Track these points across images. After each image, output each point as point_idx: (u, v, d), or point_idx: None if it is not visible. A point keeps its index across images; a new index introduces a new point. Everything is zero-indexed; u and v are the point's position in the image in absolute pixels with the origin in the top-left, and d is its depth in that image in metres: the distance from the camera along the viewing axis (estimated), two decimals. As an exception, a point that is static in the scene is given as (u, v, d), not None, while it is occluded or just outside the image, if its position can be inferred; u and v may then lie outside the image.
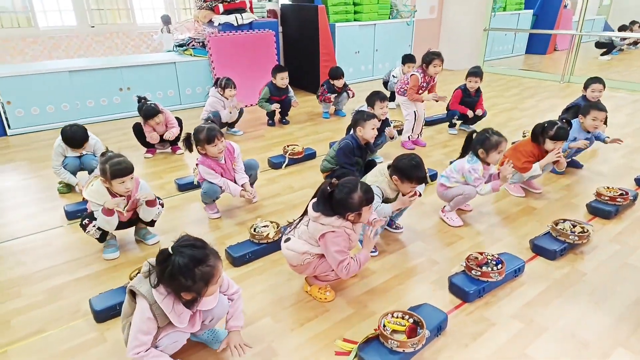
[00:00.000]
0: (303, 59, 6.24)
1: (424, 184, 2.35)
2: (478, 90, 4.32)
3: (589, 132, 3.35)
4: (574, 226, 2.47)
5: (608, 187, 2.92)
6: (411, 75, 3.99)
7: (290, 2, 6.40)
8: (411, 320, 1.82)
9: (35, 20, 6.99)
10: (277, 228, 2.53)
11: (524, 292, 2.13)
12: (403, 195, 2.31)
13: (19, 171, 3.73)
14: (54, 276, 2.29)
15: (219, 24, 5.42)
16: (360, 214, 1.87)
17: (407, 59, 5.17)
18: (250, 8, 5.66)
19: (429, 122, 4.74)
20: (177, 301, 1.46)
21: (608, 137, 3.50)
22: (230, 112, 4.31)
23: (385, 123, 3.50)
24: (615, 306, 2.02)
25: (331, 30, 6.13)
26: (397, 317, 1.83)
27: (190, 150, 2.73)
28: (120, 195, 2.32)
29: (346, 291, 2.15)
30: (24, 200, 3.17)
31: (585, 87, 3.87)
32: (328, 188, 1.86)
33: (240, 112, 4.49)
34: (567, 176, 3.44)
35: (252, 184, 2.98)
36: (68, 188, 3.27)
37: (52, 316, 2.00)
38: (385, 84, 5.51)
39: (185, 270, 1.38)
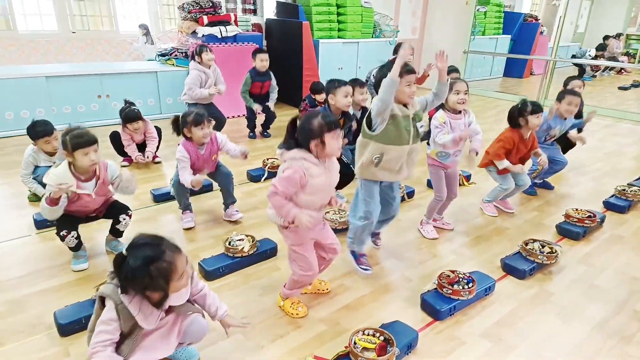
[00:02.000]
0: (286, 73, 6.28)
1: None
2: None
3: (565, 118, 3.40)
4: (543, 246, 2.53)
5: (576, 209, 3.01)
6: None
7: (275, 17, 6.47)
8: (382, 337, 1.82)
9: (14, 23, 6.87)
10: (252, 242, 2.51)
11: (493, 311, 2.16)
12: None
13: (-12, 177, 3.62)
14: (18, 287, 2.21)
15: (203, 35, 5.43)
16: (324, 142, 1.75)
17: (389, 63, 5.32)
18: (235, 21, 5.69)
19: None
20: (144, 302, 1.43)
21: (581, 124, 3.61)
22: (210, 94, 4.23)
23: (365, 111, 3.30)
24: (582, 326, 2.07)
25: (315, 45, 6.21)
26: (368, 335, 1.83)
27: (178, 133, 2.71)
28: (87, 173, 2.24)
29: (319, 307, 2.14)
30: (-9, 207, 3.08)
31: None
32: (292, 121, 1.83)
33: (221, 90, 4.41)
34: (538, 198, 3.54)
35: (229, 190, 2.97)
36: (38, 196, 3.18)
37: (14, 329, 1.93)
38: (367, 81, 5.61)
39: (140, 271, 1.35)
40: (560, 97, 3.38)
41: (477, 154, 2.66)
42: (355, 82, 3.33)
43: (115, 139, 3.84)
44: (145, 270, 1.35)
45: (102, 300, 1.46)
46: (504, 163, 2.93)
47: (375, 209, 2.29)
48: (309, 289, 2.23)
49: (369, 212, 2.27)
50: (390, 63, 2.08)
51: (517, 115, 2.95)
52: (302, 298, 2.18)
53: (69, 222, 2.31)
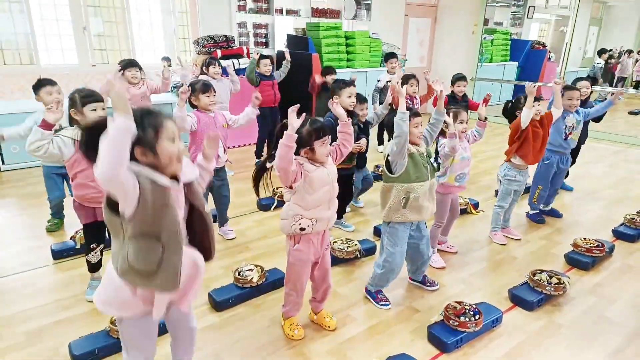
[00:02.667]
0: (297, 103, 6.43)
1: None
2: (465, 96, 4.48)
3: (570, 112, 3.46)
4: (551, 277, 2.53)
5: (584, 239, 3.00)
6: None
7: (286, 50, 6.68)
8: (388, 371, 1.83)
9: (37, 58, 7.21)
10: (262, 272, 2.56)
11: (501, 344, 2.16)
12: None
13: (9, 208, 3.76)
14: (35, 318, 2.28)
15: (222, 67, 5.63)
16: (314, 150, 1.86)
17: (390, 55, 5.50)
18: (247, 54, 5.90)
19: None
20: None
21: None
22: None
23: (365, 126, 3.38)
24: (593, 359, 2.06)
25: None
26: (374, 368, 1.85)
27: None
28: None
29: (326, 339, 2.16)
30: (11, 238, 3.18)
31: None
32: (280, 129, 1.85)
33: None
34: (547, 225, 3.53)
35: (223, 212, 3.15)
36: (57, 226, 3.29)
37: (31, 359, 1.99)
38: (379, 91, 5.60)
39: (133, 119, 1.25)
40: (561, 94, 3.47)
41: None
42: (356, 99, 3.36)
43: None
44: (137, 120, 1.25)
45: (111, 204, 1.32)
46: (526, 111, 2.95)
47: (399, 257, 2.32)
48: (315, 318, 2.27)
49: (392, 259, 2.31)
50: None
51: (512, 109, 3.11)
52: (307, 326, 2.21)
53: (96, 233, 2.39)
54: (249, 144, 5.52)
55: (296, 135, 1.77)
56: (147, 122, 1.31)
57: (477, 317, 2.16)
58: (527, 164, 3.12)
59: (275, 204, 3.76)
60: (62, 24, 7.45)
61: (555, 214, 3.68)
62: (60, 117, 2.20)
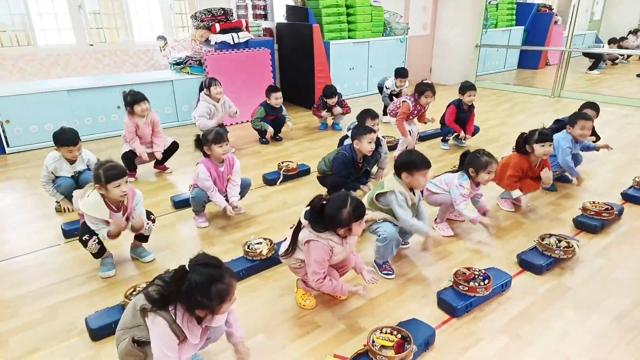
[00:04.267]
0: (298, 76, 6.35)
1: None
2: (471, 106, 4.40)
3: (577, 142, 3.42)
4: (560, 241, 2.53)
5: (593, 202, 2.99)
6: (403, 101, 4.13)
7: (286, 21, 6.54)
8: (399, 335, 1.86)
9: (34, 39, 7.11)
10: (270, 245, 2.58)
11: (510, 307, 2.18)
12: (417, 186, 2.41)
13: (17, 189, 3.78)
14: (50, 295, 2.33)
15: (216, 43, 5.53)
16: (351, 229, 1.93)
17: (399, 74, 5.39)
18: (247, 27, 5.78)
19: (422, 137, 4.83)
20: (190, 318, 1.48)
21: (595, 145, 3.61)
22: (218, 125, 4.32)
23: (377, 144, 3.39)
24: (600, 320, 2.07)
25: (326, 47, 6.26)
26: (385, 333, 1.88)
27: (201, 149, 2.88)
28: (117, 203, 2.37)
29: (337, 307, 2.19)
30: (21, 219, 3.22)
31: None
32: (318, 203, 1.92)
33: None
34: (555, 191, 3.51)
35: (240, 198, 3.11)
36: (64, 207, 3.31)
37: (49, 335, 2.04)
38: (380, 89, 5.74)
39: (201, 288, 1.40)
40: (572, 122, 3.37)
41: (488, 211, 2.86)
42: (367, 114, 3.47)
43: (127, 158, 3.83)
44: (206, 288, 1.41)
45: (143, 311, 1.49)
46: (517, 193, 3.02)
47: (393, 231, 2.39)
48: (296, 292, 2.30)
49: (388, 235, 2.37)
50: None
51: (524, 142, 3.01)
52: (319, 296, 2.24)
53: (90, 228, 2.41)
54: (248, 121, 5.45)
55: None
56: (215, 291, 1.43)
57: (486, 281, 2.18)
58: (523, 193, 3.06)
59: (280, 178, 3.75)
60: (57, 3, 7.32)
61: (564, 179, 3.65)
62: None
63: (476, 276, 2.21)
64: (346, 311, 2.16)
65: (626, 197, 3.31)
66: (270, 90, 4.67)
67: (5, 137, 4.61)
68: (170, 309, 1.45)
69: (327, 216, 1.91)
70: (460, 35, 7.96)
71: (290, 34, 6.37)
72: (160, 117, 4.14)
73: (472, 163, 2.69)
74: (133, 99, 3.70)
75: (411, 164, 2.33)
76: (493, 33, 8.54)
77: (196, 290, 1.40)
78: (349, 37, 6.65)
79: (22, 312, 2.20)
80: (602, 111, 3.87)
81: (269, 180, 3.75)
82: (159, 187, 3.77)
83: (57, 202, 3.27)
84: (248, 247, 2.54)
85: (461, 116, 4.40)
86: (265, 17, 6.59)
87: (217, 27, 5.52)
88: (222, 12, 5.62)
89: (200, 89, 4.50)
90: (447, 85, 7.83)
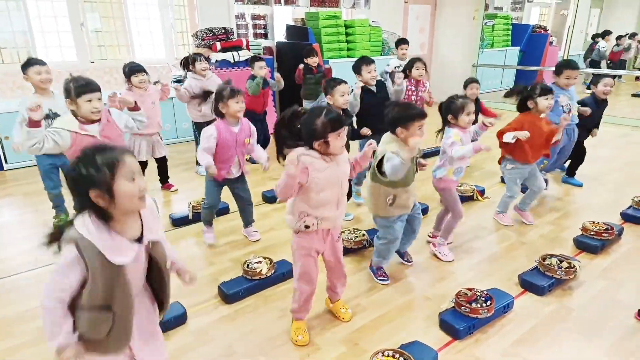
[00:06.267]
0: (298, 94, 6.39)
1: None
2: (477, 100, 4.36)
3: (563, 91, 3.48)
4: (561, 261, 2.52)
5: (593, 222, 2.99)
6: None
7: (286, 40, 6.63)
8: (401, 358, 1.83)
9: (35, 55, 7.15)
10: (270, 264, 2.55)
11: (513, 329, 2.15)
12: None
13: (15, 206, 3.76)
14: (46, 314, 2.28)
15: (216, 61, 5.59)
16: (328, 143, 1.75)
17: (400, 41, 5.36)
18: (247, 46, 5.85)
19: (426, 154, 4.73)
20: (101, 225, 1.23)
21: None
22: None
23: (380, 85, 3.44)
24: (604, 343, 2.05)
25: (325, 65, 6.32)
26: (387, 356, 1.85)
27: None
28: (89, 122, 2.24)
29: (338, 328, 2.16)
30: (18, 237, 3.18)
31: (595, 83, 3.84)
32: (294, 114, 1.80)
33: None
34: (554, 210, 3.52)
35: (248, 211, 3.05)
36: (63, 222, 3.28)
37: (41, 356, 1.99)
38: (387, 73, 5.59)
39: (85, 159, 1.21)
40: (558, 72, 3.49)
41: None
42: (362, 61, 3.40)
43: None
44: (91, 158, 1.20)
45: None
46: (509, 135, 2.88)
47: (399, 227, 2.41)
48: (331, 306, 2.26)
49: (392, 230, 2.38)
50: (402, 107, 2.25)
51: (525, 97, 3.00)
52: (321, 317, 2.21)
53: None
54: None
55: (298, 173, 1.72)
56: (101, 160, 1.20)
57: (488, 303, 2.16)
58: (528, 163, 3.05)
59: (280, 196, 3.74)
60: (60, 20, 7.39)
61: (575, 183, 3.84)
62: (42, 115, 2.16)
63: (478, 297, 2.19)
64: (347, 333, 2.13)
65: (625, 217, 3.31)
66: (254, 59, 4.47)
67: (4, 152, 4.60)
68: (77, 224, 1.23)
69: (302, 127, 1.78)
70: (458, 54, 8.07)
71: (290, 52, 6.44)
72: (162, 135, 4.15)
73: (448, 110, 2.61)
74: (130, 70, 3.65)
75: (406, 116, 2.16)
76: (490, 53, 8.66)
77: (80, 162, 1.20)
78: (348, 56, 6.73)
79: (16, 332, 2.16)
80: (604, 132, 3.94)
81: (269, 197, 3.74)
82: (158, 204, 3.74)
83: (54, 217, 3.25)
84: (247, 267, 2.52)
85: None
86: (265, 36, 6.68)
87: (218, 45, 5.59)
88: (223, 31, 5.70)
89: (184, 67, 4.30)
90: (445, 104, 7.90)
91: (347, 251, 2.79)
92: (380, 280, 2.52)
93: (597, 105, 3.77)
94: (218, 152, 2.70)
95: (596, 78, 3.73)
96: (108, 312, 1.25)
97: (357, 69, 3.45)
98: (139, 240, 1.29)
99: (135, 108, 2.70)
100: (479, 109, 4.40)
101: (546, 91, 2.94)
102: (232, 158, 2.76)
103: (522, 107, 3.08)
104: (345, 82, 3.01)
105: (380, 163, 2.25)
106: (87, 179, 1.19)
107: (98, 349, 1.29)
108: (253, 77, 4.58)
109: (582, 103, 3.79)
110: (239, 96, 2.63)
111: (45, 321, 1.24)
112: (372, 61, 3.48)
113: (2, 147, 4.59)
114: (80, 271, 1.22)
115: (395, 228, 2.40)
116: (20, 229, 3.29)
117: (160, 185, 4.06)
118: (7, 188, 4.15)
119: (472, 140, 2.74)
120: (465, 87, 4.39)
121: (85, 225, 1.22)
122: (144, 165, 3.80)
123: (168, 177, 4.07)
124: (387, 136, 2.30)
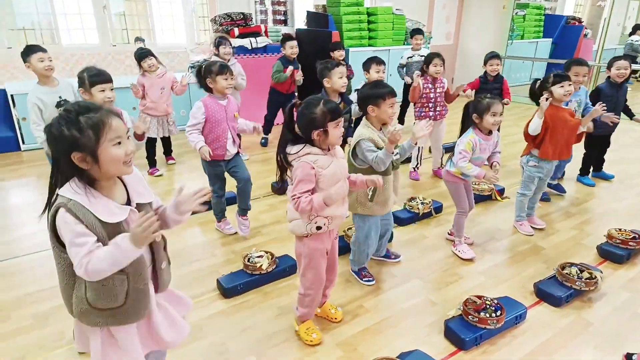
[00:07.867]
0: (317, 82, 6.25)
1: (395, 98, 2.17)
2: (498, 76, 4.10)
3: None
4: (582, 271, 2.35)
5: (619, 230, 2.79)
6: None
7: (306, 27, 6.48)
8: (400, 369, 1.73)
9: (59, 38, 7.23)
10: (272, 259, 2.47)
11: (525, 342, 2.01)
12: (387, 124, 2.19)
13: (28, 188, 3.79)
14: (42, 301, 2.27)
15: (234, 47, 5.49)
16: (327, 132, 1.70)
17: (415, 31, 5.19)
18: (265, 32, 5.73)
19: (448, 149, 4.55)
20: (92, 192, 1.18)
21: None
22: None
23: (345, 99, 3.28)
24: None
25: (345, 54, 6.15)
26: (385, 365, 1.75)
27: (201, 84, 2.70)
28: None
29: (336, 331, 2.07)
30: (26, 219, 3.20)
31: (609, 66, 3.61)
32: (292, 108, 1.74)
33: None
34: (578, 215, 3.31)
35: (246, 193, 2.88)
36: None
37: (37, 343, 1.98)
38: (403, 67, 5.35)
39: (67, 118, 1.13)
40: (567, 69, 3.26)
41: (499, 165, 2.56)
42: (373, 60, 3.45)
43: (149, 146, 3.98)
44: (73, 118, 1.14)
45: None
46: (537, 120, 2.76)
47: (374, 228, 2.32)
48: (319, 312, 2.16)
49: (366, 231, 2.31)
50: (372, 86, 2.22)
51: (539, 90, 2.85)
52: (317, 321, 2.11)
53: None
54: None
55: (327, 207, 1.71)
56: (85, 121, 1.13)
57: (498, 313, 2.02)
58: (548, 159, 2.88)
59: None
60: (83, 3, 7.43)
61: (559, 189, 3.61)
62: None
63: (487, 306, 2.06)
64: (345, 336, 2.04)
65: (656, 224, 3.08)
66: (285, 39, 4.60)
67: (22, 134, 4.65)
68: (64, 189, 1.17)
69: (299, 118, 1.72)
70: (485, 46, 7.73)
71: (310, 40, 6.29)
72: (174, 119, 4.15)
73: (474, 109, 2.48)
74: (140, 56, 3.83)
75: (375, 94, 2.13)
76: (519, 44, 8.30)
77: (62, 121, 1.13)
78: (369, 45, 6.54)
79: (15, 317, 2.15)
80: (631, 129, 3.69)
81: (277, 188, 3.65)
82: (165, 191, 3.72)
83: None
84: (248, 260, 2.44)
85: (486, 87, 3.99)
86: (285, 22, 6.54)
87: (236, 31, 5.49)
88: (242, 16, 5.60)
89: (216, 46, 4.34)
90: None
91: (348, 250, 2.68)
92: (366, 281, 2.42)
93: (614, 89, 3.56)
94: (210, 129, 2.67)
95: (611, 62, 3.51)
96: (122, 274, 1.20)
97: (367, 66, 3.47)
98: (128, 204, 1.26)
99: (141, 137, 2.51)
100: (501, 86, 4.12)
101: (560, 78, 2.74)
102: (225, 133, 2.70)
103: (537, 99, 2.88)
104: (343, 64, 2.94)
105: (354, 150, 2.20)
106: (70, 141, 1.13)
107: (118, 317, 1.24)
108: (283, 59, 4.56)
109: (597, 90, 3.59)
110: (227, 73, 2.63)
111: (108, 262, 1.14)
112: (383, 62, 3.50)
113: (20, 128, 4.63)
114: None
115: (372, 229, 2.30)
116: (29, 212, 3.30)
117: (165, 157, 4.32)
118: (22, 169, 4.19)
119: (494, 151, 2.59)
120: (485, 62, 4.11)
121: (72, 189, 1.17)
122: (153, 141, 4.02)
123: (171, 151, 4.34)
124: (360, 126, 2.25)
